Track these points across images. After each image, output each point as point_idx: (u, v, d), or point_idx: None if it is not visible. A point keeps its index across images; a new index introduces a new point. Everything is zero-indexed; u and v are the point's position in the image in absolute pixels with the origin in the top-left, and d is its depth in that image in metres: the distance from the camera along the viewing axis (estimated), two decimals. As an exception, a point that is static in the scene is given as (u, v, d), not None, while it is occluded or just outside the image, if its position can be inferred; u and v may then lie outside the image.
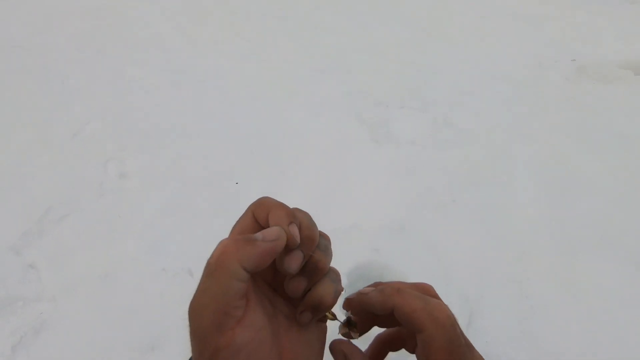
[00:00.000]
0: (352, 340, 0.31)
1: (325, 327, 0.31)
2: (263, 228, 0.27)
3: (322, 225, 1.17)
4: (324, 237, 0.31)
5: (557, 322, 1.11)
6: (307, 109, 2.09)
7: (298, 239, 0.27)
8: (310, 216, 0.30)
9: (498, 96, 2.14)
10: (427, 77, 2.33)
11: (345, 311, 0.32)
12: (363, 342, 0.31)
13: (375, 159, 1.73)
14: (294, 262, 0.27)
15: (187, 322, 0.26)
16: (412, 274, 1.18)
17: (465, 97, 2.14)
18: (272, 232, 0.26)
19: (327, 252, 0.30)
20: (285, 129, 1.95)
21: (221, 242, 0.26)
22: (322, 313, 0.29)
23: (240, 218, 0.30)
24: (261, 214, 0.28)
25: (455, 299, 1.15)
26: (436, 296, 0.29)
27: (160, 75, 2.39)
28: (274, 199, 0.29)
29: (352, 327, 0.32)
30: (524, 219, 1.44)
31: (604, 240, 1.33)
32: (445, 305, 0.27)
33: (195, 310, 0.25)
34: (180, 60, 2.55)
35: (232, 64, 2.50)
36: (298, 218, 0.28)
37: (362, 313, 0.30)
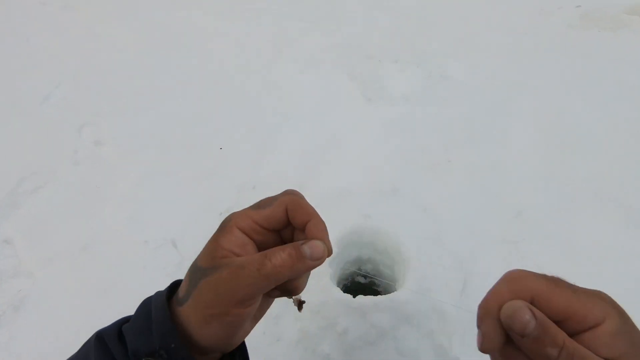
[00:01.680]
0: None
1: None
2: (290, 224, 0.34)
3: (311, 189, 1.11)
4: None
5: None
6: (293, 65, 1.95)
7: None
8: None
9: (496, 47, 2.00)
10: (423, 29, 2.17)
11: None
12: None
13: (367, 117, 1.63)
14: (319, 255, 0.33)
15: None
16: (405, 238, 1.13)
17: (461, 49, 2.00)
18: (318, 252, 0.32)
19: None
20: (271, 88, 1.83)
21: (277, 252, 0.31)
22: (290, 295, 0.36)
23: (271, 205, 0.34)
24: (298, 216, 0.34)
25: (449, 263, 1.11)
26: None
27: (134, 32, 2.20)
28: (308, 203, 0.34)
29: (301, 304, 0.42)
30: (521, 177, 1.38)
31: (603, 197, 1.29)
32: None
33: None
34: (156, 16, 2.34)
35: (213, 19, 2.30)
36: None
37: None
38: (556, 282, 0.28)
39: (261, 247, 0.35)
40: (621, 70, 1.79)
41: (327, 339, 0.93)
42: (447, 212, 1.26)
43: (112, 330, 0.34)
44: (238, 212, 0.36)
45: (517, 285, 0.28)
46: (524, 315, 0.26)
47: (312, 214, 0.34)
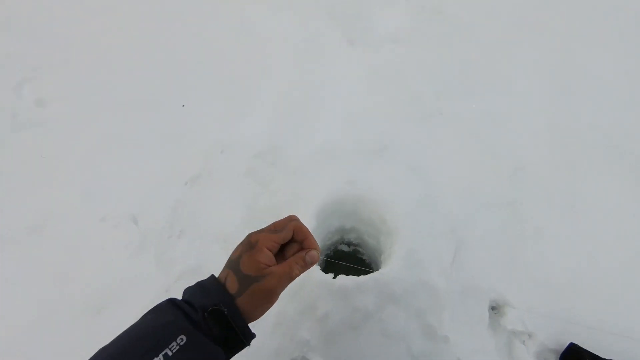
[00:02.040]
0: None
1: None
2: (294, 240, 0.53)
3: (288, 152, 0.91)
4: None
5: (555, 247, 1.00)
6: (266, 6, 1.68)
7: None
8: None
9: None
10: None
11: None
12: None
13: (349, 64, 1.43)
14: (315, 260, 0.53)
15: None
16: (392, 205, 1.01)
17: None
18: (315, 258, 0.52)
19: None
20: (240, 33, 1.58)
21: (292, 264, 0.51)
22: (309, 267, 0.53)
23: (283, 230, 0.52)
24: (299, 236, 0.53)
25: (441, 228, 1.01)
26: None
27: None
28: (304, 226, 0.54)
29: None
30: (521, 129, 1.24)
31: (611, 150, 1.17)
32: None
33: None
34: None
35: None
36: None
37: None
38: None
39: (275, 254, 0.51)
40: (636, 6, 1.57)
41: (306, 324, 0.85)
42: (439, 172, 1.13)
43: (174, 299, 0.47)
44: (262, 235, 0.50)
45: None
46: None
47: (307, 233, 0.53)
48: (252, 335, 0.48)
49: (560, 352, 0.86)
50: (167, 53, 1.53)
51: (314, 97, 1.34)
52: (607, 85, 1.33)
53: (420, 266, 0.91)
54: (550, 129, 1.24)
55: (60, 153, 1.24)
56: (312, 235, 0.53)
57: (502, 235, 1.03)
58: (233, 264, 0.49)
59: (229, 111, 1.31)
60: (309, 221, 0.99)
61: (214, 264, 0.98)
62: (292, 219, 0.53)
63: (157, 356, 0.39)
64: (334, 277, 0.87)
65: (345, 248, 1.18)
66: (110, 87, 1.43)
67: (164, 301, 0.46)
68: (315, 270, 0.89)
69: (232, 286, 0.47)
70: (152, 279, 0.98)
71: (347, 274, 0.88)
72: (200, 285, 0.49)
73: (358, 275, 0.87)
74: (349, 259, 1.20)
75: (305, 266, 0.51)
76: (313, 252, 0.52)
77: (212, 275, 0.50)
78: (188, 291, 0.49)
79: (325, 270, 0.93)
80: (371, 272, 0.89)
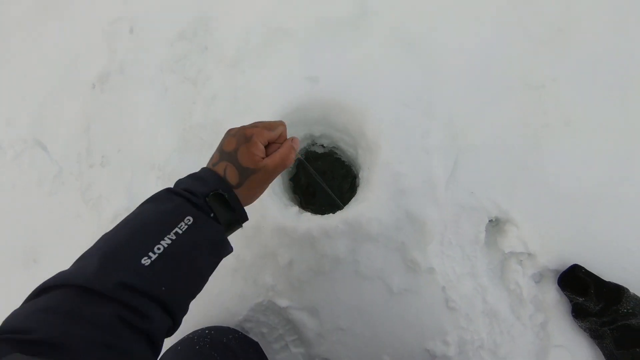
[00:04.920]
0: None
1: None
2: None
3: (224, 34, 0.65)
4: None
5: (586, 148, 0.77)
6: None
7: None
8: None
9: None
10: None
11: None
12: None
13: None
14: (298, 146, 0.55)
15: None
16: (373, 108, 0.73)
17: None
18: (298, 143, 0.55)
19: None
20: None
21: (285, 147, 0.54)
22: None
23: (275, 130, 0.53)
24: (281, 140, 0.55)
25: (438, 136, 0.76)
26: None
27: None
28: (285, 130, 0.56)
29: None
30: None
31: None
32: None
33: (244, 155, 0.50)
34: None
35: None
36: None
37: None
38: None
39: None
40: None
41: (269, 270, 0.73)
42: (446, 47, 0.78)
43: (172, 188, 0.49)
44: (256, 130, 0.52)
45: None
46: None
47: (283, 129, 0.55)
48: (246, 219, 0.52)
49: (559, 275, 0.75)
50: None
51: None
52: None
53: (407, 196, 0.71)
54: None
55: None
56: (292, 137, 0.56)
57: (519, 132, 0.78)
58: (230, 156, 0.51)
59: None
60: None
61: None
62: (283, 124, 0.54)
63: (168, 234, 0.42)
64: (300, 211, 0.69)
65: (319, 150, 0.96)
66: None
67: (161, 191, 0.48)
68: (273, 210, 0.70)
69: (232, 177, 0.50)
70: (84, 219, 0.82)
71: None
72: (195, 176, 0.50)
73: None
74: (325, 159, 1.00)
75: (294, 151, 0.54)
76: (296, 139, 0.55)
77: (207, 168, 0.52)
78: (183, 182, 0.50)
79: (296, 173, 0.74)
80: (342, 206, 0.71)
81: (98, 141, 0.83)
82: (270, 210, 0.70)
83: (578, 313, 0.74)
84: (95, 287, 0.37)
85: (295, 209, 0.72)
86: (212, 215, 0.46)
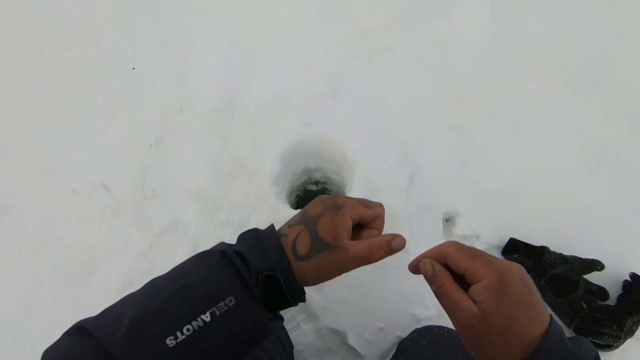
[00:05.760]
0: None
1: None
2: (369, 225, 0.48)
3: (245, 103, 1.02)
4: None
5: (497, 161, 1.12)
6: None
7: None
8: None
9: None
10: None
11: None
12: None
13: (295, 7, 1.41)
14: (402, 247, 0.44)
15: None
16: (350, 142, 1.08)
17: None
18: (402, 246, 0.44)
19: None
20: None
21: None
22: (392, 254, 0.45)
23: (372, 209, 0.47)
24: (377, 224, 0.48)
25: (395, 157, 1.10)
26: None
27: None
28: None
29: None
30: (466, 56, 1.30)
31: (546, 67, 1.25)
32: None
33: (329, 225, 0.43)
34: None
35: None
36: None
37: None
38: (463, 250, 0.41)
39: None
40: None
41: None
42: (392, 105, 1.19)
43: (227, 250, 0.43)
44: (349, 201, 0.45)
45: (440, 248, 0.43)
46: (425, 266, 0.42)
47: (382, 226, 0.49)
48: (302, 299, 0.45)
49: (502, 247, 1.00)
50: (108, 14, 1.44)
51: (262, 42, 1.33)
52: (544, 5, 1.38)
53: (379, 193, 1.01)
54: (493, 52, 1.30)
55: (11, 128, 1.22)
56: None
57: (452, 156, 1.13)
58: (310, 220, 0.44)
59: (179, 67, 1.29)
60: (274, 167, 1.05)
61: (191, 217, 1.05)
62: (381, 206, 0.49)
63: (204, 313, 0.38)
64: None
65: (313, 187, 1.27)
66: (47, 50, 1.36)
67: (217, 249, 0.43)
68: (283, 207, 0.97)
69: (302, 246, 0.43)
70: (134, 239, 1.04)
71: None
72: (259, 240, 0.44)
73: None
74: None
75: (390, 252, 0.43)
76: (402, 238, 0.44)
77: (274, 231, 0.45)
78: (244, 242, 0.44)
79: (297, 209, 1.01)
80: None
81: (151, 182, 1.12)
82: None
83: (521, 272, 0.96)
84: (115, 356, 0.36)
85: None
86: (257, 290, 0.41)
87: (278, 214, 0.96)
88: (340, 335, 0.92)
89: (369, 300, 0.93)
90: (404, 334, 0.89)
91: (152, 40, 1.37)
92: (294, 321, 0.94)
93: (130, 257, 1.02)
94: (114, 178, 1.13)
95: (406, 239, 0.44)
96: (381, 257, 0.43)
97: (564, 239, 0.99)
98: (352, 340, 0.91)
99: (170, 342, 0.37)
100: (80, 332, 0.38)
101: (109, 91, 1.28)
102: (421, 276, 0.43)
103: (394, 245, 0.43)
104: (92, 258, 1.02)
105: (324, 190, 1.28)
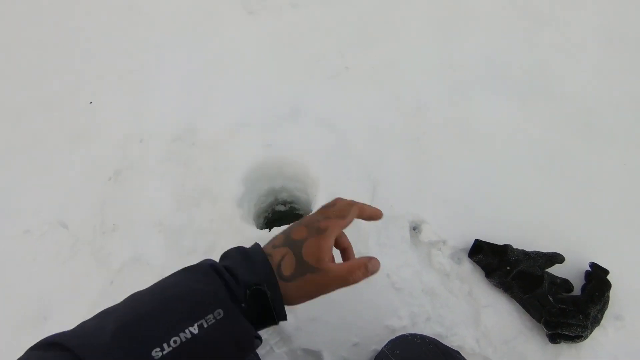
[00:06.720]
0: None
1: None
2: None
3: (204, 131, 1.01)
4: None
5: (456, 168, 1.15)
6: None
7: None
8: None
9: None
10: None
11: None
12: None
13: (251, 33, 1.45)
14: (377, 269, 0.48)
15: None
16: (311, 160, 1.10)
17: None
18: (377, 267, 0.48)
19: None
20: (129, 12, 1.52)
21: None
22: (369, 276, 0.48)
23: (348, 212, 0.53)
24: (364, 214, 0.58)
25: (357, 173, 1.12)
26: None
27: None
28: (365, 205, 0.59)
29: None
30: (417, 72, 1.37)
31: (494, 79, 1.33)
32: None
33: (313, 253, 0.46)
34: None
35: None
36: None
37: None
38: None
39: None
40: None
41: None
42: (350, 122, 1.23)
43: (215, 264, 0.44)
44: (332, 222, 0.49)
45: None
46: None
47: (372, 211, 0.60)
48: (284, 319, 0.46)
49: (468, 250, 1.02)
50: (63, 48, 1.44)
51: (219, 72, 1.35)
52: (486, 19, 1.49)
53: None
54: (442, 67, 1.38)
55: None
56: (372, 208, 0.57)
57: (412, 167, 1.16)
58: (295, 244, 0.46)
59: (137, 99, 1.29)
60: (237, 189, 1.05)
61: (154, 248, 1.01)
62: (356, 209, 0.53)
63: (192, 326, 0.37)
64: (270, 230, 0.94)
65: (281, 208, 1.26)
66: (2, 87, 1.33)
67: (204, 263, 0.44)
68: (249, 228, 0.96)
69: (287, 268, 0.45)
70: (93, 276, 0.99)
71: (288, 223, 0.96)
72: (246, 255, 0.46)
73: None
74: (288, 217, 1.29)
75: (367, 274, 0.46)
76: (376, 261, 0.48)
77: (260, 248, 0.47)
78: (231, 258, 0.46)
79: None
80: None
81: (111, 215, 1.08)
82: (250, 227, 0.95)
83: (487, 273, 0.98)
84: None
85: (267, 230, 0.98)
86: (243, 305, 0.42)
87: (243, 235, 0.95)
88: (315, 355, 0.90)
89: (341, 316, 0.92)
90: (379, 346, 0.88)
91: (109, 74, 1.37)
92: (267, 345, 0.90)
93: (90, 296, 0.96)
94: (71, 215, 1.08)
95: (374, 248, 0.51)
96: (359, 279, 0.46)
97: (525, 236, 1.02)
98: (328, 359, 0.88)
99: (156, 353, 0.35)
100: (51, 347, 0.36)
101: (65, 126, 1.25)
102: (394, 288, 0.48)
103: (370, 267, 0.47)
104: (48, 300, 0.96)
105: (292, 211, 1.27)
